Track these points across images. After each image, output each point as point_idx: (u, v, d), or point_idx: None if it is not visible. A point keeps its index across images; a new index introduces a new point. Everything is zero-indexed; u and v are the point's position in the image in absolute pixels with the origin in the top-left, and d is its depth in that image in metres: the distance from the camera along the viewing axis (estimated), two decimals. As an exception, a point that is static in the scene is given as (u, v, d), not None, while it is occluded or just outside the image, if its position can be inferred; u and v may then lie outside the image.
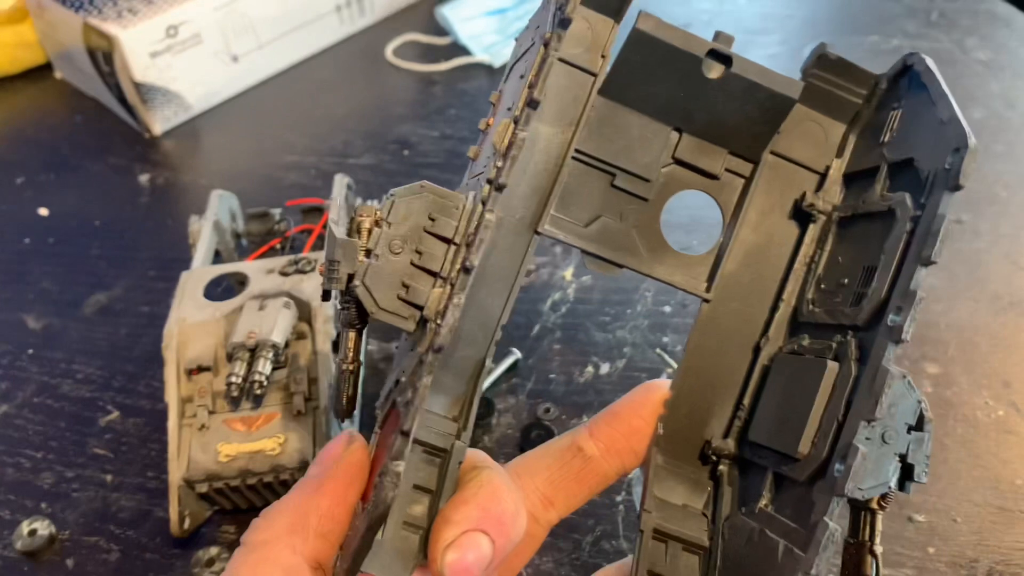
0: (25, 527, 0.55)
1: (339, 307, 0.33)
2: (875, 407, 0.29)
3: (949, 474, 0.56)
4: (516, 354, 0.65)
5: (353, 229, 0.31)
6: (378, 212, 0.32)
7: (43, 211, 0.84)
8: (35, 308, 0.73)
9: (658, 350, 0.66)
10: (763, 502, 0.34)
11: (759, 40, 0.99)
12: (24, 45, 1.01)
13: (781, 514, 0.33)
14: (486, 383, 0.63)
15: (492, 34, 1.01)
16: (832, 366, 0.31)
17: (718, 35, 0.34)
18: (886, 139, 0.34)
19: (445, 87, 0.97)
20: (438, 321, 0.30)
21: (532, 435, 0.60)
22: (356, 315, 0.32)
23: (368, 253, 0.31)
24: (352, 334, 0.34)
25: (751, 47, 0.98)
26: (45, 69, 1.03)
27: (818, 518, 0.29)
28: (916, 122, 0.33)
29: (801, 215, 0.37)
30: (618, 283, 0.71)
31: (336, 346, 0.56)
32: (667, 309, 0.69)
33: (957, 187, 0.29)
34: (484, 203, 0.31)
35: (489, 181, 0.31)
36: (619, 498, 0.56)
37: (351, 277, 0.31)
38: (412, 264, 0.31)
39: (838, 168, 0.37)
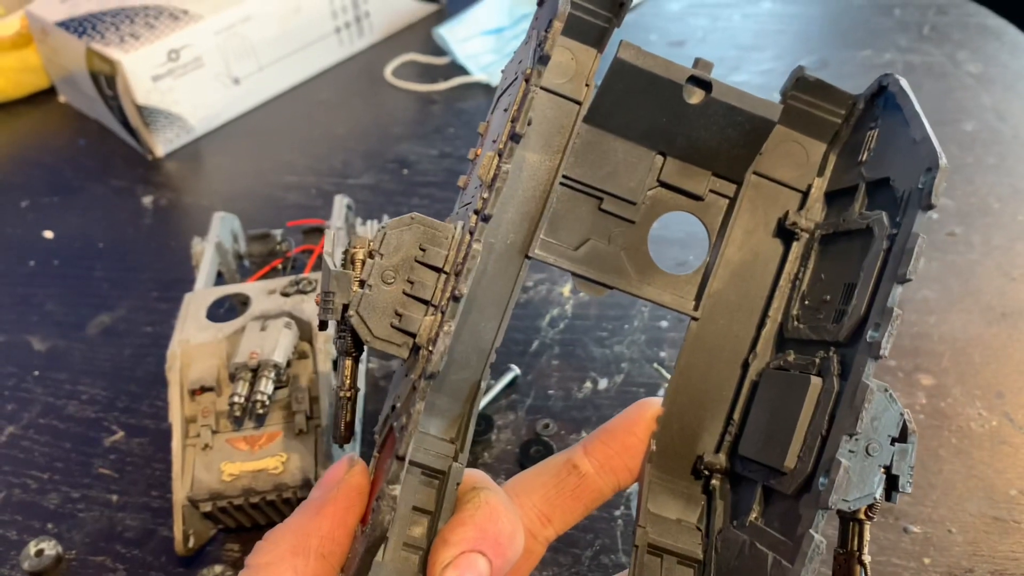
0: (32, 547, 0.56)
1: (336, 336, 0.34)
2: (856, 422, 0.29)
3: (944, 485, 0.57)
4: (515, 370, 0.66)
5: (347, 260, 0.33)
6: (371, 243, 0.33)
7: (48, 233, 0.85)
8: (40, 330, 0.74)
9: (655, 365, 0.66)
10: (753, 515, 0.35)
11: (753, 56, 1.00)
12: (28, 70, 1.02)
13: (770, 527, 0.33)
14: (485, 400, 0.64)
15: (489, 53, 1.02)
16: (816, 381, 0.32)
17: (698, 62, 0.35)
18: (864, 158, 0.35)
19: (444, 106, 0.98)
20: (430, 348, 0.31)
21: (531, 451, 0.60)
22: (352, 343, 0.34)
23: (362, 284, 0.32)
24: (348, 362, 0.35)
25: (745, 63, 0.99)
26: (49, 93, 1.05)
27: (804, 530, 0.30)
28: (891, 141, 0.34)
29: (785, 233, 0.38)
30: (615, 299, 0.72)
31: (337, 366, 0.57)
32: (664, 324, 0.69)
33: (930, 206, 0.29)
34: (471, 233, 0.32)
35: (476, 212, 0.32)
36: (618, 512, 0.57)
37: (346, 307, 0.32)
38: (404, 293, 0.32)
39: (819, 187, 0.38)
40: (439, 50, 1.04)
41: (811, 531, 0.29)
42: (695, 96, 0.35)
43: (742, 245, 0.38)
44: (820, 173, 0.38)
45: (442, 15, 1.11)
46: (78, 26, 0.91)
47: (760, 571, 0.32)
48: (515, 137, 0.32)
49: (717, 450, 0.38)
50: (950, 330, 0.67)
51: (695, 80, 0.35)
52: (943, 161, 0.29)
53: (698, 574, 0.37)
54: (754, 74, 0.97)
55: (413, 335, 0.32)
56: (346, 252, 0.33)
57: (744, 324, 0.38)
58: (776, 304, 0.38)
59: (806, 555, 0.29)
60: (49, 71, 1.03)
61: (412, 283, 0.32)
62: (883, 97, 0.35)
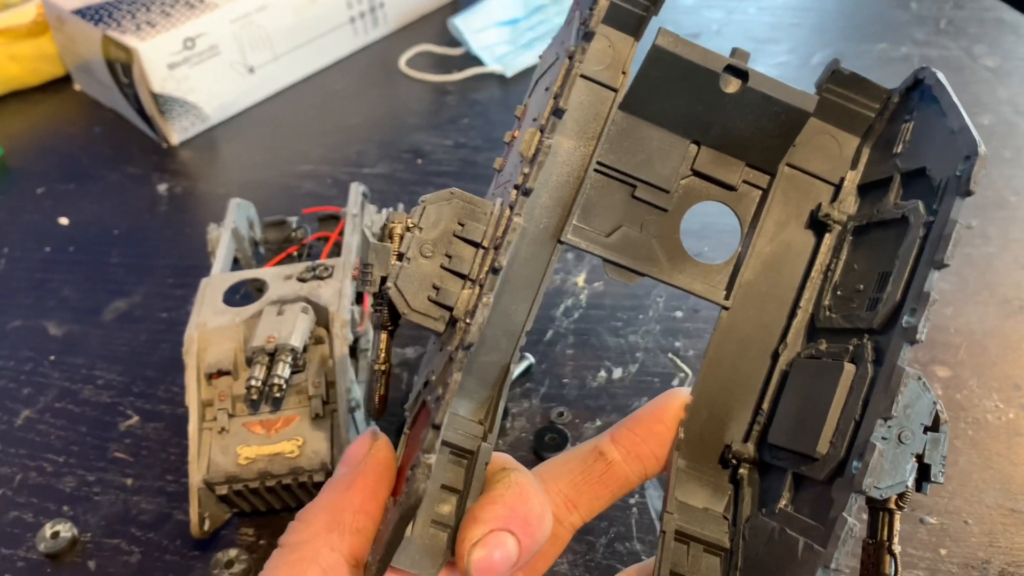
0: (48, 529, 0.56)
1: (372, 309, 0.34)
2: (891, 405, 0.29)
3: (960, 476, 0.57)
4: (529, 359, 0.66)
5: (386, 234, 0.33)
6: (409, 219, 0.33)
7: (63, 220, 0.85)
8: (56, 315, 0.75)
9: (670, 355, 0.66)
10: (783, 502, 0.35)
11: (768, 49, 1.00)
12: (44, 58, 1.03)
13: (800, 513, 0.33)
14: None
15: (504, 44, 1.02)
16: (849, 368, 0.32)
17: (735, 51, 0.35)
18: (899, 150, 0.35)
19: (458, 97, 0.98)
20: (467, 320, 0.31)
21: (546, 438, 0.61)
22: (388, 316, 0.34)
23: (400, 257, 0.32)
24: (384, 335, 0.35)
25: (760, 56, 0.99)
26: (64, 81, 1.05)
27: (837, 514, 0.30)
28: (928, 133, 0.34)
29: (817, 225, 0.38)
30: (630, 289, 0.71)
31: (353, 351, 0.57)
32: (679, 314, 0.69)
33: (968, 192, 0.29)
34: (511, 207, 0.32)
35: (516, 187, 0.32)
36: (632, 500, 0.57)
37: (383, 280, 0.32)
38: (442, 267, 0.33)
39: (852, 179, 0.38)
40: (454, 41, 1.04)
41: (844, 514, 0.29)
42: (731, 85, 0.35)
43: (774, 236, 0.38)
44: (853, 166, 0.38)
45: (457, 6, 1.11)
46: (94, 14, 0.92)
47: (790, 556, 0.32)
48: (558, 112, 0.32)
49: (745, 439, 0.38)
50: (967, 322, 0.67)
51: (732, 69, 0.34)
52: (982, 148, 0.29)
53: (724, 563, 0.37)
54: (769, 67, 0.97)
55: (450, 308, 0.32)
56: (385, 226, 0.33)
57: (775, 314, 0.38)
58: (807, 295, 0.38)
59: (839, 537, 0.29)
60: (65, 59, 1.03)
61: (450, 257, 0.33)
62: (919, 90, 0.35)
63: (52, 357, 0.71)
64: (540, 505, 0.33)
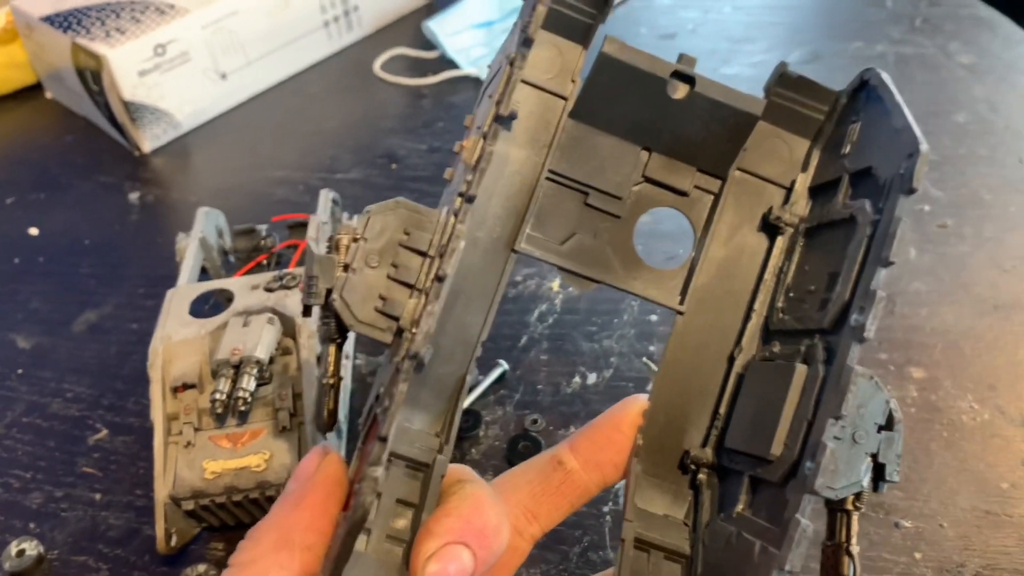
0: (14, 548, 0.55)
1: (320, 322, 0.33)
2: (841, 405, 0.29)
3: (935, 479, 0.56)
4: (503, 366, 0.65)
5: (332, 246, 0.32)
6: (355, 229, 0.32)
7: (33, 231, 0.84)
8: (25, 328, 0.74)
9: (645, 359, 0.66)
10: (740, 506, 0.35)
11: (744, 48, 1.00)
12: (14, 66, 1.02)
13: (757, 516, 0.33)
14: (473, 396, 0.63)
15: (479, 47, 1.02)
16: (801, 368, 0.32)
17: (682, 57, 0.35)
18: (847, 151, 0.35)
19: (433, 100, 0.97)
20: (413, 330, 0.31)
21: (519, 446, 0.60)
22: (336, 329, 0.33)
23: (346, 268, 0.32)
24: (332, 348, 0.35)
25: (736, 55, 0.98)
26: (36, 89, 1.04)
27: (791, 515, 0.30)
28: (874, 133, 0.34)
29: (769, 228, 0.38)
30: (605, 294, 0.71)
31: (321, 353, 0.56)
32: (653, 318, 0.69)
33: (912, 190, 0.29)
34: (456, 215, 0.32)
35: (460, 194, 0.32)
36: (606, 508, 0.56)
37: (329, 292, 0.32)
38: (389, 277, 0.32)
39: (803, 182, 0.38)
40: (429, 44, 1.04)
41: (797, 516, 0.29)
42: (679, 91, 0.35)
43: (727, 240, 0.38)
44: (804, 169, 0.38)
45: (432, 9, 1.10)
46: (63, 21, 0.91)
47: (747, 560, 0.32)
48: (500, 119, 0.32)
49: (704, 444, 0.38)
50: (942, 322, 0.66)
51: (679, 75, 0.35)
52: (924, 146, 0.29)
53: (685, 569, 0.37)
54: (745, 66, 0.96)
55: (397, 318, 0.32)
56: (331, 238, 0.33)
57: (729, 318, 0.38)
58: (761, 298, 0.38)
59: (793, 539, 0.29)
60: (36, 67, 1.02)
61: (396, 267, 0.32)
62: (865, 91, 0.35)
63: (20, 371, 0.70)
64: (496, 516, 0.33)
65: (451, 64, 1.01)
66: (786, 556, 0.29)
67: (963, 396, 0.61)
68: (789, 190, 0.38)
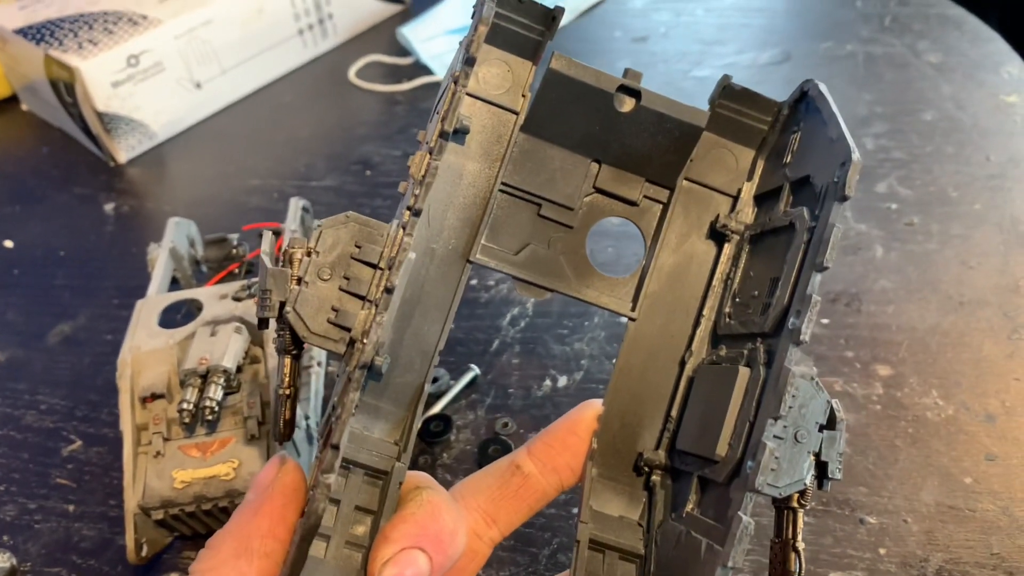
0: (-14, 560, 0.56)
1: (275, 334, 0.34)
2: (780, 405, 0.30)
3: (900, 475, 0.57)
4: (475, 370, 0.66)
5: (286, 260, 0.33)
6: (308, 243, 0.33)
7: (8, 243, 0.84)
8: (-1, 340, 0.74)
9: (614, 361, 0.66)
10: (689, 506, 0.36)
11: (716, 50, 1.00)
12: (-11, 78, 1.02)
13: (705, 515, 0.34)
14: (445, 400, 0.64)
15: (453, 53, 1.02)
16: (744, 371, 0.33)
17: (627, 72, 0.36)
18: (788, 160, 0.36)
19: (408, 106, 0.98)
20: (364, 340, 0.31)
21: (490, 450, 0.60)
22: (290, 341, 0.34)
23: (299, 281, 0.33)
24: (288, 360, 0.35)
25: (708, 57, 0.99)
26: (12, 101, 1.04)
27: (734, 513, 0.30)
28: (812, 143, 0.35)
29: (717, 235, 0.39)
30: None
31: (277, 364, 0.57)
32: (624, 320, 0.69)
33: (845, 197, 0.31)
34: (404, 228, 0.33)
35: (408, 208, 0.33)
36: (575, 510, 0.57)
37: (283, 305, 0.33)
38: (341, 289, 0.33)
39: (749, 190, 0.39)
40: (403, 50, 1.04)
41: (740, 513, 0.30)
42: (626, 104, 0.36)
43: (676, 248, 0.39)
44: (749, 177, 0.39)
45: (406, 15, 1.11)
46: (36, 33, 0.91)
47: (695, 558, 0.33)
48: (444, 135, 0.33)
49: (657, 447, 0.39)
50: (908, 320, 0.67)
51: (625, 89, 0.36)
52: (856, 155, 0.31)
53: (639, 568, 0.38)
54: (717, 68, 0.97)
55: (349, 329, 0.33)
56: (284, 251, 0.33)
57: (680, 324, 0.39)
58: (710, 303, 0.39)
59: (735, 536, 0.30)
60: (10, 79, 1.02)
61: (348, 279, 0.33)
62: (804, 102, 0.36)
63: (-6, 383, 0.70)
64: (452, 522, 0.33)
65: (425, 70, 1.01)
66: (729, 552, 0.30)
67: (928, 393, 0.62)
68: (735, 198, 0.39)
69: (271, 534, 0.32)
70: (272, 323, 0.34)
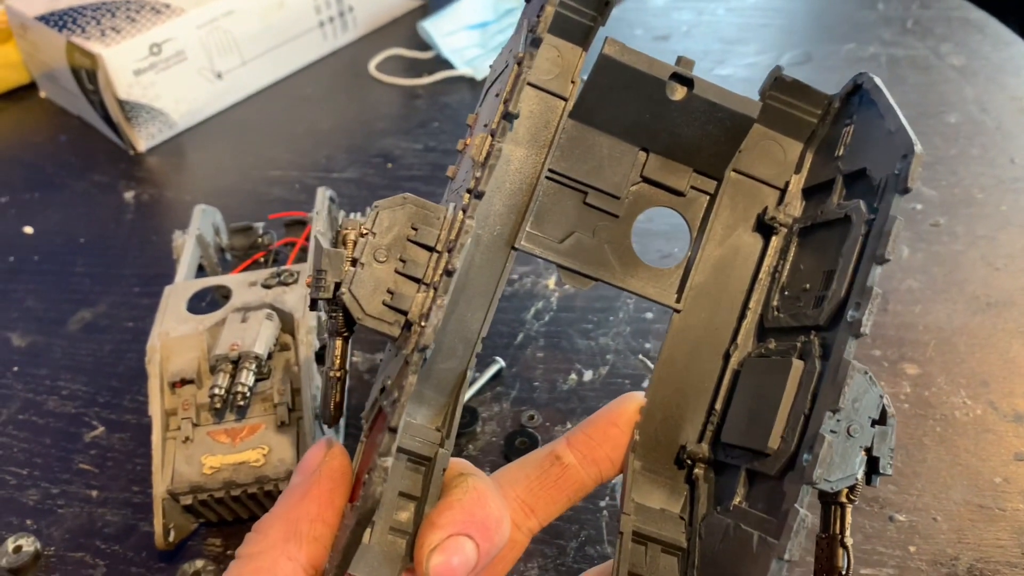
0: (10, 544, 0.55)
1: (327, 316, 0.34)
2: (839, 398, 0.30)
3: (929, 473, 0.57)
4: (500, 363, 0.65)
5: (339, 240, 0.33)
6: (363, 224, 0.33)
7: (28, 229, 0.84)
8: (20, 326, 0.74)
9: (641, 356, 0.66)
10: (737, 499, 0.35)
11: (737, 50, 1.00)
12: (8, 65, 1.01)
13: (754, 508, 0.34)
14: (470, 392, 0.63)
15: (474, 48, 1.02)
16: (797, 363, 0.33)
17: (680, 59, 0.36)
18: (840, 153, 0.36)
19: (428, 100, 0.97)
20: (422, 323, 0.31)
21: (516, 442, 0.60)
22: (343, 322, 0.33)
23: (354, 262, 0.32)
24: (339, 342, 0.35)
25: (730, 57, 0.99)
26: (30, 89, 1.04)
27: (789, 506, 0.30)
28: (867, 135, 0.34)
29: (764, 228, 0.39)
30: (600, 292, 0.71)
31: (320, 357, 0.57)
32: (649, 315, 0.69)
33: (906, 190, 0.30)
34: (464, 210, 0.32)
35: (469, 191, 0.32)
36: (603, 503, 0.57)
37: (338, 285, 0.32)
38: (396, 272, 0.33)
39: (797, 183, 0.39)
40: (423, 44, 1.04)
41: (796, 506, 0.30)
42: (678, 92, 0.36)
43: (723, 240, 0.39)
44: (798, 170, 0.39)
45: (426, 9, 1.11)
46: (58, 20, 0.91)
47: (745, 550, 0.32)
48: (508, 116, 0.32)
49: (700, 439, 0.39)
50: (935, 320, 0.67)
51: (677, 77, 0.35)
52: (918, 148, 0.30)
53: (682, 562, 0.37)
54: (739, 68, 0.97)
55: (405, 312, 0.32)
56: (338, 232, 0.33)
57: (725, 316, 0.39)
58: (756, 296, 0.39)
59: (792, 528, 0.30)
60: (30, 66, 1.02)
61: (404, 261, 0.33)
62: (858, 95, 0.36)
63: (16, 368, 0.70)
64: (498, 509, 0.33)
65: (446, 64, 1.01)
66: (785, 545, 0.30)
67: (956, 392, 0.62)
68: (783, 191, 0.39)
69: (320, 518, 0.32)
70: (321, 304, 0.34)
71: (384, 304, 0.32)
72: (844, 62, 0.95)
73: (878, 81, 0.35)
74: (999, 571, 0.52)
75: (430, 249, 0.33)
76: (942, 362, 0.64)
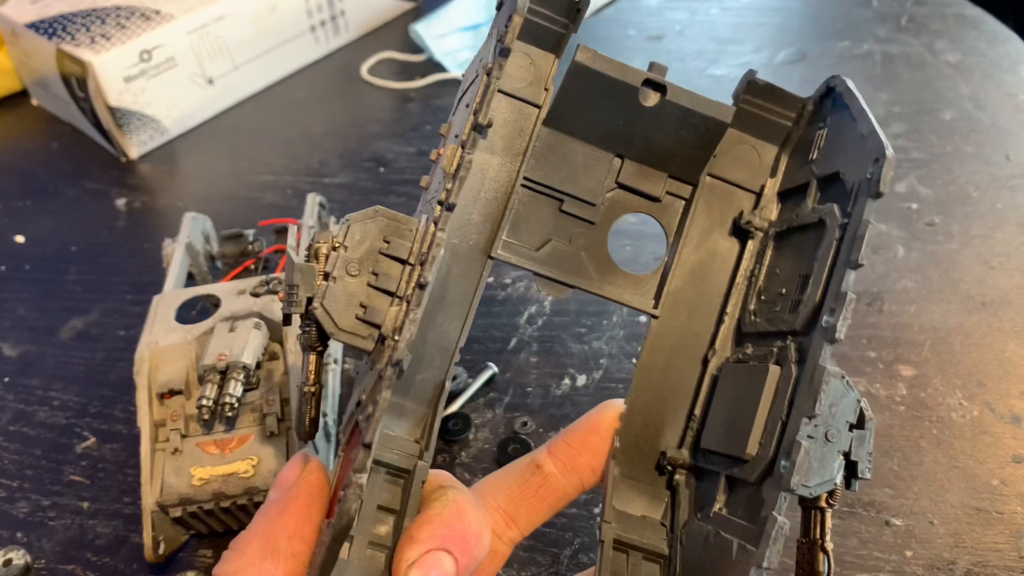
0: (0, 557, 0.55)
1: (300, 330, 0.33)
2: (815, 404, 0.30)
3: (925, 476, 0.56)
4: (493, 368, 0.65)
5: (311, 254, 0.32)
6: (335, 238, 0.32)
7: (19, 238, 0.84)
8: (11, 335, 0.73)
9: (634, 360, 0.66)
10: (717, 506, 0.35)
11: (731, 49, 1.00)
12: (0, 73, 1.01)
13: (734, 515, 0.34)
14: (463, 399, 0.63)
15: (466, 50, 1.01)
16: (775, 369, 0.33)
17: (652, 65, 0.36)
18: (814, 156, 0.36)
19: (421, 103, 0.97)
20: (395, 337, 0.31)
21: (509, 449, 0.60)
22: (316, 337, 0.33)
23: (327, 276, 0.32)
24: (313, 356, 0.35)
25: (724, 56, 0.98)
26: (22, 96, 1.04)
27: (767, 513, 0.30)
28: (840, 139, 0.34)
29: (740, 232, 0.39)
30: (593, 296, 0.71)
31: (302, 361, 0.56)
32: (642, 319, 0.69)
33: (878, 194, 0.30)
34: (436, 223, 0.32)
35: (440, 202, 0.32)
36: (596, 510, 0.56)
37: (310, 300, 0.32)
38: (369, 285, 0.32)
39: (772, 187, 0.38)
40: (416, 47, 1.04)
41: (774, 513, 0.30)
42: (650, 99, 0.35)
43: (699, 245, 0.39)
44: (773, 174, 0.38)
45: (419, 12, 1.10)
46: (48, 27, 0.90)
47: (725, 558, 0.32)
48: (478, 128, 0.32)
49: (680, 445, 0.39)
50: (930, 320, 0.67)
51: (650, 83, 0.35)
52: (890, 151, 0.30)
53: (664, 569, 0.37)
54: (733, 67, 0.96)
55: (378, 326, 0.32)
56: (310, 246, 0.33)
57: (703, 321, 0.39)
58: (734, 301, 0.38)
59: (770, 536, 0.30)
60: (21, 74, 1.02)
61: (377, 275, 0.32)
62: (831, 98, 0.36)
63: (6, 379, 0.69)
64: (477, 522, 0.33)
65: (438, 67, 1.00)
66: (764, 553, 0.30)
67: (952, 393, 0.61)
68: (759, 195, 0.38)
69: (297, 534, 0.32)
70: (296, 319, 0.33)
71: (357, 318, 0.32)
72: (839, 60, 0.95)
73: (850, 84, 0.35)
74: (996, 575, 0.51)
75: (402, 262, 0.32)
76: (938, 363, 0.63)
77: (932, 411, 0.60)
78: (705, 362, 0.38)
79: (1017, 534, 0.53)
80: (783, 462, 0.30)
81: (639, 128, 0.36)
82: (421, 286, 0.31)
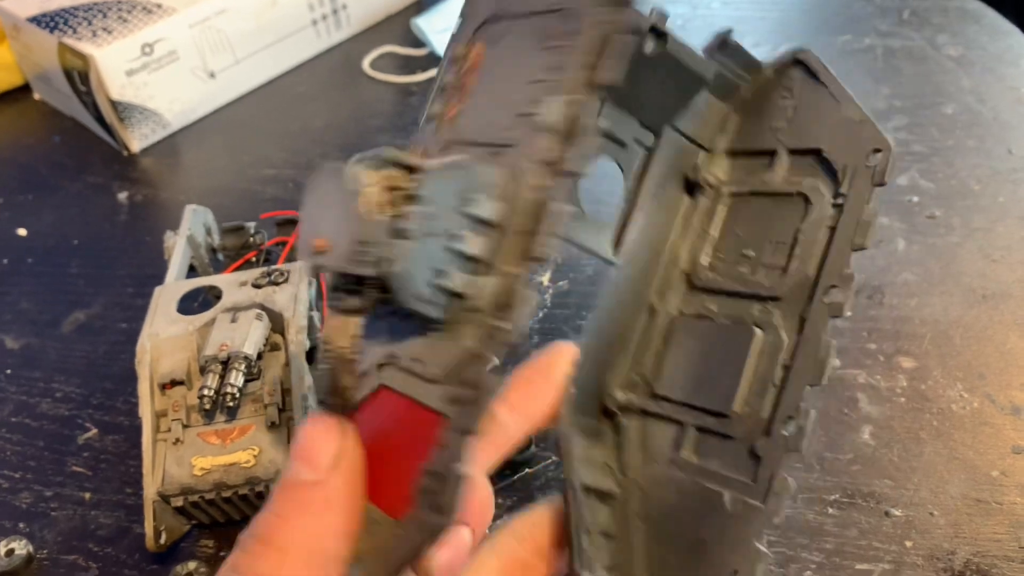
0: (3, 547, 0.55)
1: (340, 293, 0.29)
2: (822, 376, 0.32)
3: (925, 467, 0.57)
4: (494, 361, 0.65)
5: (374, 202, 0.27)
6: (409, 188, 0.28)
7: (21, 231, 0.84)
8: (13, 328, 0.73)
9: (635, 352, 0.66)
10: (685, 453, 0.36)
11: (733, 43, 0.99)
12: (1, 67, 1.01)
13: (710, 465, 0.35)
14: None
15: (468, 44, 1.01)
16: (760, 334, 0.34)
17: (653, 11, 0.35)
18: (780, 125, 0.37)
19: (422, 97, 0.97)
20: (498, 314, 0.28)
21: (510, 440, 0.60)
22: (373, 301, 0.29)
23: (398, 233, 0.27)
24: (356, 320, 0.29)
25: (725, 50, 0.98)
26: (24, 90, 1.04)
27: (774, 472, 0.32)
28: (817, 115, 0.35)
29: (691, 186, 0.39)
30: (595, 287, 0.71)
31: (311, 357, 0.56)
32: (644, 311, 0.69)
33: (882, 183, 0.32)
34: (548, 191, 0.28)
35: (549, 163, 0.29)
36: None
37: (381, 261, 0.27)
38: (446, 249, 0.29)
39: (722, 144, 0.39)
40: (417, 41, 1.04)
41: (783, 475, 0.32)
42: (650, 46, 0.34)
43: (654, 195, 0.39)
44: (723, 131, 0.39)
45: (420, 6, 1.10)
46: (50, 21, 0.90)
47: (712, 508, 0.33)
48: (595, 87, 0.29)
49: (627, 389, 0.39)
50: (931, 313, 0.66)
51: (655, 31, 0.34)
52: (892, 143, 0.32)
53: (616, 510, 0.37)
54: (734, 61, 0.96)
55: (459, 295, 0.29)
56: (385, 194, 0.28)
57: (651, 271, 0.39)
58: (684, 254, 0.39)
59: (779, 495, 0.31)
60: (23, 68, 1.02)
61: (456, 237, 0.29)
62: (801, 70, 0.36)
63: (8, 371, 0.69)
64: (484, 488, 0.34)
65: (440, 61, 1.00)
66: (775, 510, 0.32)
67: (952, 385, 0.61)
68: (710, 151, 0.39)
69: (349, 533, 0.28)
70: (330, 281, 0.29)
71: (431, 284, 0.28)
72: (840, 54, 0.95)
73: (825, 63, 0.36)
74: (996, 565, 0.51)
75: (490, 225, 0.29)
76: (939, 355, 0.63)
77: (933, 403, 0.60)
78: (651, 311, 0.39)
79: (1017, 524, 0.53)
80: (790, 427, 0.32)
81: (631, 72, 0.35)
82: (535, 259, 0.28)
